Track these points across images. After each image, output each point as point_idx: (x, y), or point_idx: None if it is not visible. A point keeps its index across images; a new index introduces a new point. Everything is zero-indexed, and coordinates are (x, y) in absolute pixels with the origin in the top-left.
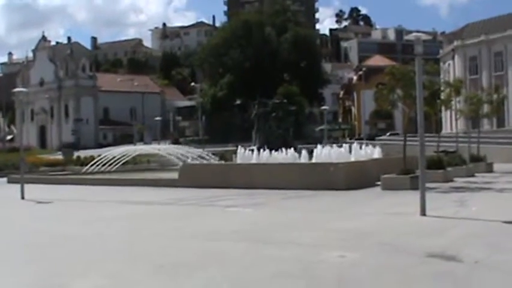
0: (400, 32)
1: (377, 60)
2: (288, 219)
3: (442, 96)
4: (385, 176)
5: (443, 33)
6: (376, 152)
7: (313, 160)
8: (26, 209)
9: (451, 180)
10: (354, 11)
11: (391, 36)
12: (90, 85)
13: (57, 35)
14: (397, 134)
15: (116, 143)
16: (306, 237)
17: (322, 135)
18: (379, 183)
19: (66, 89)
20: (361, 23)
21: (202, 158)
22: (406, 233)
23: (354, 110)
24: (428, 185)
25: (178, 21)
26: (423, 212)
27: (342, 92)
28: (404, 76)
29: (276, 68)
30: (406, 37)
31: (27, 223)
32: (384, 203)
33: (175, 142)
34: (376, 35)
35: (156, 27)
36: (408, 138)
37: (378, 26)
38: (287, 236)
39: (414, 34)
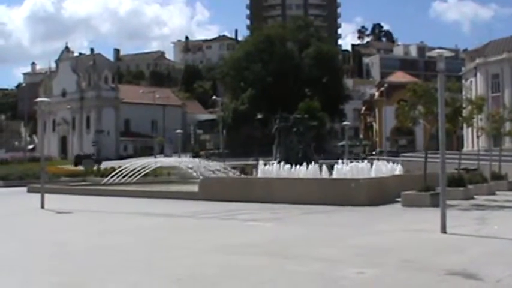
0: (422, 49)
1: (399, 77)
2: (308, 234)
3: (464, 113)
4: (406, 192)
5: (465, 50)
6: (397, 169)
7: (334, 175)
8: (45, 218)
9: (472, 198)
10: (376, 27)
11: (413, 52)
12: (112, 96)
13: (80, 46)
14: (381, 152)
15: (137, 155)
16: (326, 252)
17: (343, 150)
18: (399, 199)
19: (88, 99)
20: (384, 39)
21: (223, 171)
22: (426, 250)
23: (375, 126)
24: (448, 202)
25: (201, 34)
26: (444, 230)
27: (363, 108)
28: (426, 93)
29: (297, 83)
30: (428, 54)
31: (46, 233)
32: (404, 220)
33: (196, 155)
34: (398, 51)
35: (178, 40)
36: (429, 155)
37: (400, 42)
38: (307, 251)
39: (436, 51)
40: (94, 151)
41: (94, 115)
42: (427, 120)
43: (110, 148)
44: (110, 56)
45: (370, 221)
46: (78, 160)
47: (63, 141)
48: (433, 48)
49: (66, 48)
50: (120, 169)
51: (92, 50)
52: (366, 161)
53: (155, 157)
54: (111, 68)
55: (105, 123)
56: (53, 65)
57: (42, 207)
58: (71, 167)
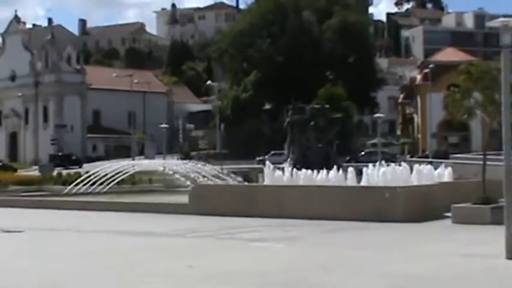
0: (480, 18)
1: (449, 55)
2: (329, 259)
3: None
4: (458, 205)
5: None
6: (446, 174)
7: (363, 183)
8: None
9: None
10: None
11: (469, 22)
12: (77, 81)
13: (34, 15)
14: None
15: (109, 156)
16: (351, 284)
17: (375, 150)
18: (449, 214)
19: (45, 85)
20: (429, 5)
21: (220, 177)
22: (487, 282)
23: (417, 119)
24: None
25: (191, 1)
26: (510, 255)
27: (401, 96)
28: (485, 75)
29: (316, 64)
30: (488, 24)
31: None
32: (456, 241)
33: (186, 157)
34: (448, 22)
35: (163, 9)
36: (489, 157)
37: (450, 10)
38: (327, 281)
39: (500, 19)
40: (54, 151)
41: (53, 105)
42: (486, 111)
43: (75, 148)
44: (74, 29)
45: (410, 242)
46: (56, 161)
47: (13, 139)
48: (495, 17)
49: (16, 17)
50: (87, 175)
51: (49, 20)
52: (404, 164)
53: (133, 159)
54: (75, 44)
55: (68, 116)
56: None
57: None
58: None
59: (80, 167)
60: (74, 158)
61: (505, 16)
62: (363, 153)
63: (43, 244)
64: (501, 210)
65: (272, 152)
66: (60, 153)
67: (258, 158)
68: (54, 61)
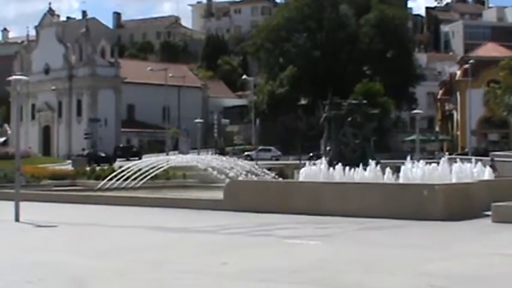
0: None
1: (489, 50)
2: (366, 257)
3: None
4: (498, 204)
5: None
6: (486, 172)
7: (401, 180)
8: (21, 235)
9: None
10: None
11: (510, 17)
12: (111, 75)
13: (69, 8)
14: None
15: (143, 151)
16: (389, 282)
17: (413, 147)
18: (489, 213)
19: (79, 79)
20: (470, 0)
21: (255, 173)
22: None
23: (456, 115)
24: None
25: None
26: None
27: (440, 92)
28: None
29: (353, 59)
30: None
31: (21, 254)
32: (496, 240)
33: (221, 152)
34: (489, 16)
35: (198, 2)
36: None
37: (491, 4)
38: (364, 279)
39: None
40: (87, 145)
41: (87, 99)
42: None
43: (108, 142)
44: (109, 22)
45: (449, 240)
46: (118, 152)
47: (46, 133)
48: None
49: (50, 10)
50: (121, 170)
51: (84, 13)
52: (443, 162)
53: (167, 154)
54: (109, 38)
55: (102, 110)
56: (32, 33)
57: (17, 219)
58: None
59: (140, 159)
60: (134, 149)
61: None
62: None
63: (75, 239)
64: None
65: (260, 148)
66: (121, 145)
67: (311, 154)
68: (88, 54)
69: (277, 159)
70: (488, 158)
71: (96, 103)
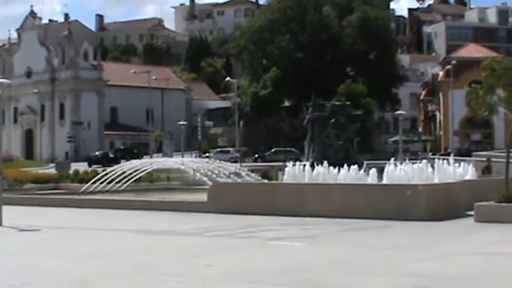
0: (504, 13)
1: (471, 51)
2: (350, 258)
3: None
4: (481, 203)
5: None
6: (468, 172)
7: (384, 181)
8: (4, 239)
9: None
10: None
11: (492, 18)
12: (94, 78)
13: (51, 11)
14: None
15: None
16: (374, 283)
17: (397, 148)
18: (471, 213)
19: (61, 82)
20: (451, 1)
21: (239, 175)
22: (509, 282)
23: (439, 116)
24: None
25: None
26: None
27: (423, 93)
28: (508, 71)
29: (336, 60)
30: None
31: (5, 258)
32: (479, 240)
33: (205, 155)
34: (471, 17)
35: (181, 4)
36: None
37: (473, 5)
38: (349, 280)
39: None
40: (70, 149)
41: (70, 102)
42: (510, 108)
43: (92, 145)
44: (91, 25)
45: (432, 240)
46: (118, 154)
47: (29, 136)
48: None
49: (32, 12)
50: (104, 173)
51: (66, 16)
52: (425, 162)
53: (151, 157)
54: (92, 40)
55: (85, 113)
56: (14, 35)
57: (0, 223)
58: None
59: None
60: (135, 151)
61: None
62: (273, 150)
63: (59, 243)
64: None
65: (218, 150)
66: (122, 147)
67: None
68: (70, 57)
69: (235, 161)
70: (472, 159)
71: (79, 106)
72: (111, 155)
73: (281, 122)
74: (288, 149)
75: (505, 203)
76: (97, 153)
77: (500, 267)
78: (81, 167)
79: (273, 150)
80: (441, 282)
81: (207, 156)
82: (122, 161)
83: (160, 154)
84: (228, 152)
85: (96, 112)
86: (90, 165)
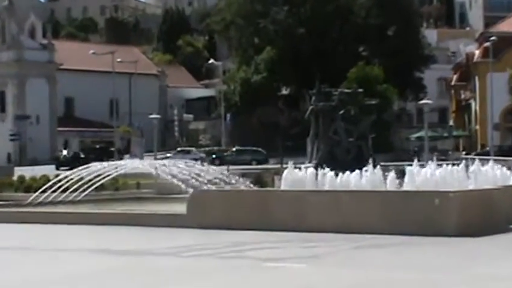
0: None
1: None
2: (363, 283)
3: None
4: None
5: None
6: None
7: (406, 187)
8: None
9: None
10: None
11: None
12: (43, 60)
13: None
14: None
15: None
16: None
17: (421, 146)
18: None
19: (1, 65)
20: None
21: (226, 181)
22: None
23: (474, 106)
24: None
25: None
26: None
27: (454, 77)
28: None
29: (346, 37)
30: None
31: None
32: None
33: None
34: None
35: None
36: None
37: None
38: None
39: None
40: (14, 149)
41: (13, 91)
42: None
43: (42, 145)
44: None
45: (466, 261)
46: (91, 156)
47: None
48: None
49: None
50: (57, 179)
51: None
52: (460, 164)
53: (117, 159)
54: (40, 13)
55: (33, 104)
56: None
57: None
58: None
59: (121, 159)
60: (112, 149)
61: None
62: (235, 149)
63: (1, 268)
64: None
65: (178, 149)
66: (97, 146)
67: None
68: (13, 35)
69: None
70: None
71: (24, 96)
72: (82, 155)
73: (278, 115)
74: (254, 148)
75: None
76: (65, 152)
77: None
78: (28, 172)
79: (234, 149)
80: None
81: (167, 157)
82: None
83: (127, 155)
84: (189, 152)
85: (46, 103)
86: (58, 168)
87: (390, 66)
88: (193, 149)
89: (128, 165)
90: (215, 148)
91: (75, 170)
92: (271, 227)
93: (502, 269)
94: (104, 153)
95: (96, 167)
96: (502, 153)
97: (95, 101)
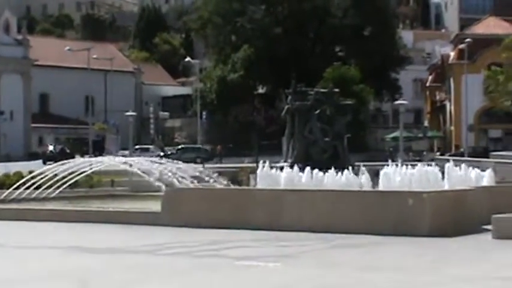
0: None
1: (490, 26)
2: (337, 283)
3: None
4: (501, 216)
5: None
6: (485, 177)
7: (381, 187)
8: None
9: None
10: None
11: None
12: (18, 56)
13: None
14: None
15: (60, 152)
16: None
17: (396, 147)
18: (489, 227)
19: None
20: None
21: (201, 179)
22: None
23: (449, 107)
24: None
25: None
26: None
27: (430, 78)
28: None
29: (322, 37)
30: None
31: None
32: (497, 261)
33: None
34: None
35: None
36: None
37: None
38: None
39: None
40: None
41: None
42: None
43: (15, 141)
44: None
45: (438, 261)
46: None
47: None
48: None
49: None
50: (31, 176)
51: None
52: (434, 164)
53: (92, 156)
54: (15, 9)
55: (6, 100)
56: None
57: None
58: None
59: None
60: (68, 151)
61: None
62: (179, 147)
63: None
64: None
65: (136, 147)
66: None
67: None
68: None
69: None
70: (490, 160)
71: None
72: (68, 150)
73: (254, 113)
74: (197, 146)
75: None
76: (51, 148)
77: None
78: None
79: (179, 147)
80: None
81: (123, 155)
82: (86, 157)
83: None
84: (147, 150)
85: (20, 99)
86: (44, 163)
87: (366, 67)
88: (151, 146)
89: (104, 162)
90: (151, 147)
91: (55, 164)
92: (246, 226)
93: (473, 269)
94: (97, 148)
95: (70, 163)
96: (476, 154)
97: (70, 97)
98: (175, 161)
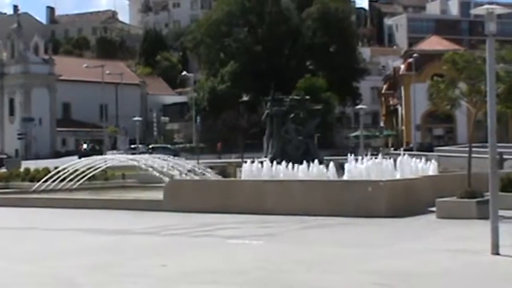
0: (465, 5)
1: (433, 43)
2: (309, 256)
3: None
4: (443, 199)
5: None
6: (430, 168)
7: (345, 177)
8: None
9: None
10: None
11: (453, 10)
12: (45, 72)
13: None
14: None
15: (92, 149)
16: (332, 281)
17: (358, 143)
18: (433, 209)
19: (11, 77)
20: None
21: (196, 172)
22: (472, 277)
23: (401, 110)
24: (502, 212)
25: None
26: (495, 250)
27: (384, 87)
28: (469, 65)
29: (296, 54)
30: (473, 11)
31: None
32: (440, 237)
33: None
34: (432, 9)
35: None
36: (475, 150)
37: None
38: (308, 279)
39: (485, 7)
40: (20, 146)
41: (20, 97)
42: (472, 102)
43: (43, 142)
44: (42, 17)
45: (393, 237)
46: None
47: None
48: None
49: None
50: (56, 171)
51: (15, 8)
52: (388, 158)
53: (105, 154)
54: (43, 34)
55: (36, 109)
56: None
57: None
58: None
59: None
60: (97, 148)
61: (490, 3)
62: (150, 146)
63: (10, 243)
64: (487, 204)
65: (132, 146)
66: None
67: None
68: (20, 51)
69: None
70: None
71: (29, 102)
72: (97, 148)
73: (239, 118)
74: (164, 145)
75: (467, 198)
76: (85, 146)
77: (462, 264)
78: (33, 165)
79: (150, 146)
80: (402, 279)
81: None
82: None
83: (114, 151)
84: (135, 149)
85: (47, 108)
86: (80, 158)
87: (332, 78)
88: (140, 146)
89: (116, 158)
90: (140, 146)
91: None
92: (234, 211)
93: (422, 243)
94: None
95: (89, 160)
96: (423, 149)
97: (88, 106)
98: (176, 158)
